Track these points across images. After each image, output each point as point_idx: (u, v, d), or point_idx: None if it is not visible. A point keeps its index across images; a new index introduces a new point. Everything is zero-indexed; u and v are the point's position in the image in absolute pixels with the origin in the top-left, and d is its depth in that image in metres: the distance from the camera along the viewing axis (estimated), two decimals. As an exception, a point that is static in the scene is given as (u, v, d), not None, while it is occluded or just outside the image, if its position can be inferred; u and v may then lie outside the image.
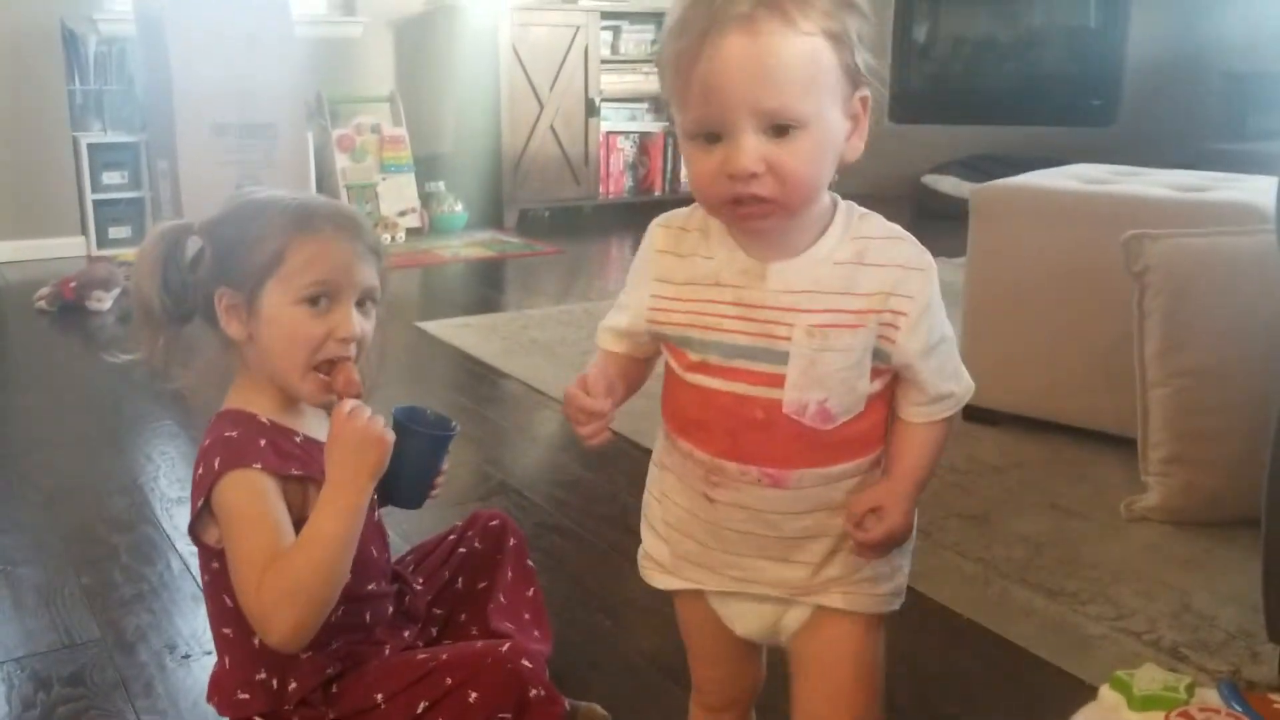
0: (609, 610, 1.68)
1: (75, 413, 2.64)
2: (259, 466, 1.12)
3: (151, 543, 1.88)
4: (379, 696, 1.17)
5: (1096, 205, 2.25)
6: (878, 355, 0.95)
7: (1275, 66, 4.70)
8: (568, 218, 5.17)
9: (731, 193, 0.88)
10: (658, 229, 1.02)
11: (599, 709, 1.40)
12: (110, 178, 4.31)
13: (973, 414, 2.45)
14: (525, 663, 1.17)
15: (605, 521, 1.97)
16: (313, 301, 1.14)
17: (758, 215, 0.90)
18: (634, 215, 5.28)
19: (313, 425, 1.22)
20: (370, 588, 1.24)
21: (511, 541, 1.45)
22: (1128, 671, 1.08)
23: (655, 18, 5.30)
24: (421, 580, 1.38)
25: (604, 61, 5.11)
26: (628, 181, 5.40)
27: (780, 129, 0.86)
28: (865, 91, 0.91)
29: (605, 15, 5.09)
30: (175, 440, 2.41)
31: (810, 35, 0.85)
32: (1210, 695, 1.06)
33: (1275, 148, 3.73)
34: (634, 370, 1.08)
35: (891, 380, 0.99)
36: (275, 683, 1.18)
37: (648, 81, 5.36)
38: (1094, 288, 2.20)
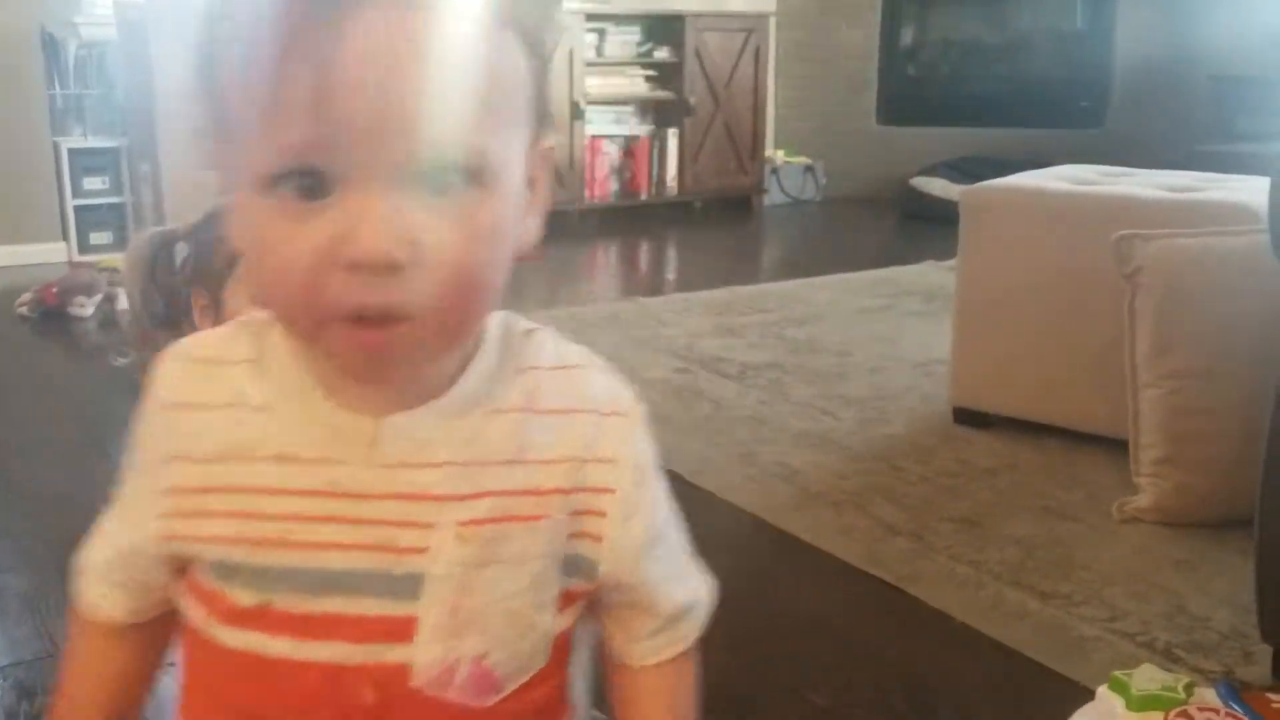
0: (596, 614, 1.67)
1: (60, 419, 2.61)
2: None
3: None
4: None
5: (1086, 206, 2.25)
6: (572, 567, 0.59)
7: (1262, 69, 4.72)
8: (552, 222, 5.03)
9: (347, 298, 0.49)
10: (169, 365, 0.60)
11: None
12: (91, 183, 4.27)
13: (964, 417, 2.45)
14: None
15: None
16: None
17: (387, 345, 0.51)
18: (620, 219, 5.27)
19: None
20: None
21: None
22: (1126, 672, 1.07)
23: (642, 19, 5.30)
24: None
25: (589, 64, 5.10)
26: (613, 185, 5.39)
27: (445, 184, 0.50)
28: (551, 141, 0.59)
29: (590, 17, 5.08)
30: (159, 447, 2.38)
31: (502, 25, 0.51)
32: (1208, 695, 1.05)
33: (1264, 149, 3.75)
34: (144, 662, 0.66)
35: (589, 608, 0.63)
36: None
37: (633, 84, 5.35)
38: (1085, 289, 2.20)
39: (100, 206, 4.30)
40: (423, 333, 0.51)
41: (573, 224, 5.18)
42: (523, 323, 0.62)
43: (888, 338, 3.23)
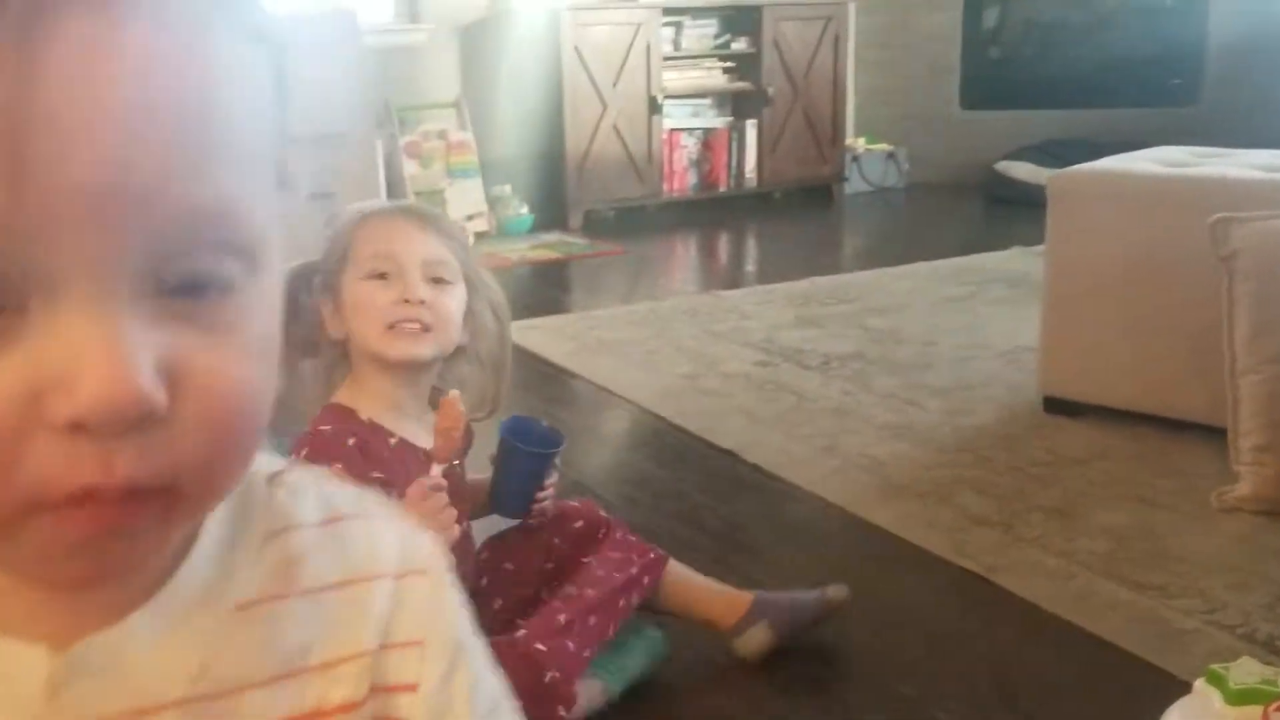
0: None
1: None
2: (338, 468, 1.15)
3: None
4: None
5: (1180, 189, 2.19)
6: None
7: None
8: (632, 217, 5.17)
9: (67, 476, 0.31)
10: None
11: (842, 589, 1.48)
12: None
13: (1054, 406, 2.40)
14: (540, 646, 1.21)
15: (675, 519, 1.97)
16: (378, 276, 1.23)
17: (125, 532, 0.33)
18: (698, 212, 5.26)
19: (413, 429, 1.27)
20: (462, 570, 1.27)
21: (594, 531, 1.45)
22: (1223, 665, 1.05)
23: (718, 11, 5.28)
24: (500, 602, 1.40)
25: (666, 58, 5.10)
26: (691, 178, 5.39)
27: (194, 286, 0.33)
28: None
29: (667, 11, 5.08)
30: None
31: (249, 37, 0.36)
32: (1312, 690, 1.02)
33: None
34: None
35: None
36: None
37: (711, 77, 5.34)
38: (1180, 274, 2.14)
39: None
40: (183, 504, 0.34)
41: (650, 218, 5.19)
42: (264, 463, 0.41)
43: (973, 326, 3.18)
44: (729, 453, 2.28)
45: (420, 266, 1.24)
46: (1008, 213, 4.89)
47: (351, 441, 1.20)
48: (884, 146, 5.88)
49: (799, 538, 1.93)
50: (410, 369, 1.26)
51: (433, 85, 4.94)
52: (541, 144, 5.05)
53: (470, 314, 1.31)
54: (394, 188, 4.65)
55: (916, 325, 3.20)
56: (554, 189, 5.03)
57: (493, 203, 4.90)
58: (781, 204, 5.55)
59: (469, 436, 1.33)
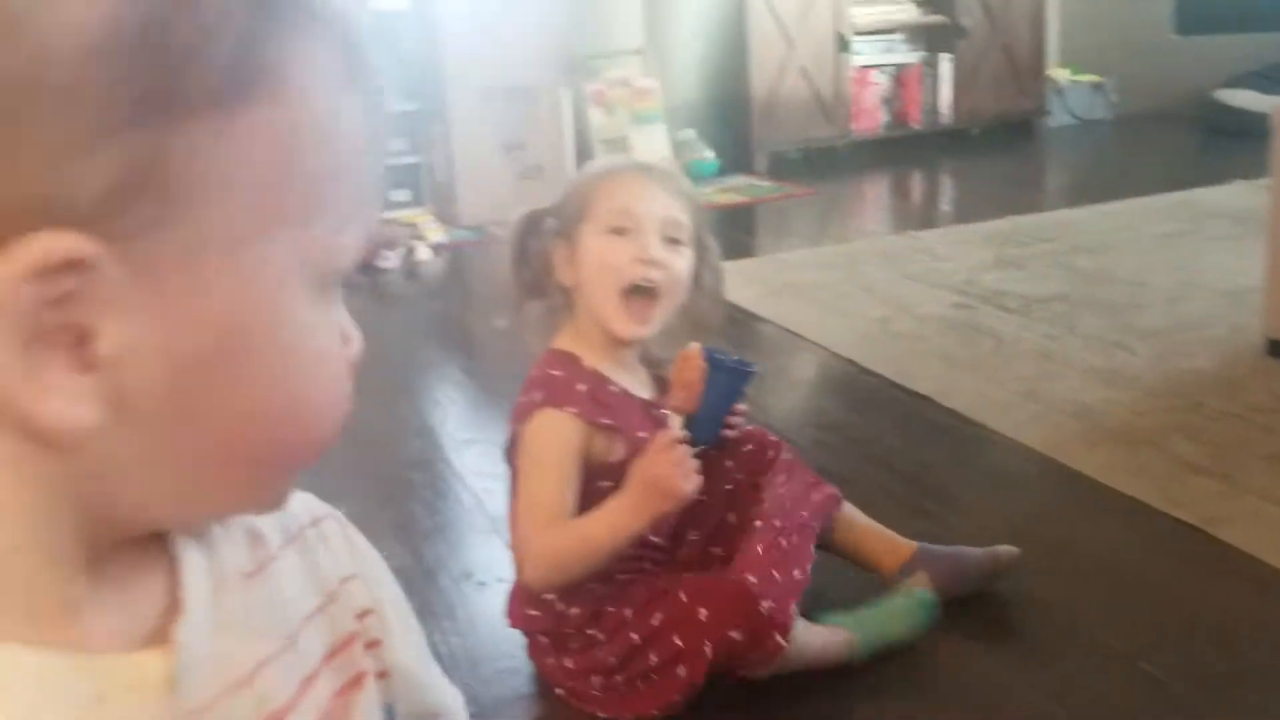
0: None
1: (370, 363, 2.85)
2: (574, 411, 1.22)
3: (445, 480, 2.03)
4: (627, 612, 1.26)
5: None
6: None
7: None
8: (820, 158, 5.08)
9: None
10: None
11: (1013, 550, 1.47)
12: (392, 145, 4.60)
13: (1278, 348, 2.25)
14: (750, 578, 1.22)
15: (871, 463, 1.95)
16: (617, 231, 1.26)
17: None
18: (890, 151, 5.13)
19: (630, 380, 1.32)
20: (654, 538, 1.33)
21: (773, 457, 1.47)
22: None
23: (909, -57, 5.09)
24: (694, 533, 1.42)
25: (855, -6, 4.96)
26: (882, 116, 5.24)
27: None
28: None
29: (856, -54, 4.93)
30: (461, 387, 2.57)
31: None
32: None
33: None
34: None
35: None
36: (560, 605, 1.27)
37: (902, 11, 5.16)
38: None
39: (399, 167, 4.62)
40: None
41: (839, 159, 5.09)
42: None
43: (1189, 265, 3.00)
44: (923, 397, 2.24)
45: (659, 226, 1.26)
46: (1227, 144, 4.56)
47: (583, 388, 1.24)
48: (1090, 77, 5.56)
49: (997, 484, 1.88)
50: (634, 339, 1.31)
51: (617, 33, 4.96)
52: (726, 87, 5.01)
53: (694, 276, 1.33)
54: (580, 137, 4.72)
55: (1126, 265, 3.04)
56: (739, 132, 4.99)
57: (677, 148, 4.90)
58: (979, 141, 5.34)
59: None
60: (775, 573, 1.29)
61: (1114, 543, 1.66)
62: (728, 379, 1.27)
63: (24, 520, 0.35)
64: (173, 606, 0.40)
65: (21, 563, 0.35)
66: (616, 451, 1.26)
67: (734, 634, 1.21)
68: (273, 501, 0.43)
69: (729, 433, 1.35)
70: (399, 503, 1.93)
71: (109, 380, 0.34)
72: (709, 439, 1.29)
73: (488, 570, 1.68)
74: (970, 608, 1.47)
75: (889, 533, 1.51)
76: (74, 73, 0.31)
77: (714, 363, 1.25)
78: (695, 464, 1.17)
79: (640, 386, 1.33)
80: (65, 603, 0.36)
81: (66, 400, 0.33)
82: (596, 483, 1.27)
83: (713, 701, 1.27)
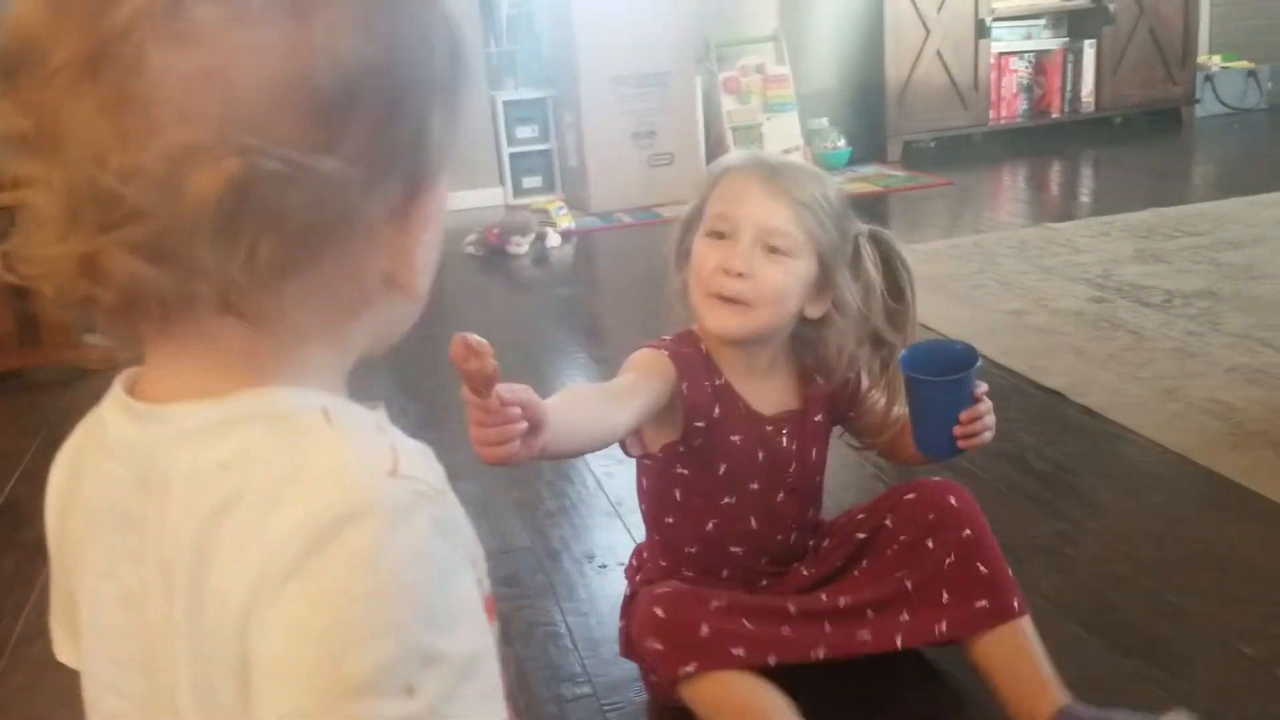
0: (1009, 549, 1.64)
1: (502, 345, 2.92)
2: (667, 354, 1.23)
3: (569, 463, 2.07)
4: None
5: None
6: None
7: None
8: (955, 147, 4.97)
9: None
10: None
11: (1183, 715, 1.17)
12: (522, 131, 4.68)
13: None
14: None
15: (999, 458, 1.92)
16: (716, 236, 1.21)
17: None
18: (1029, 140, 4.99)
19: (742, 381, 1.27)
20: (778, 537, 1.33)
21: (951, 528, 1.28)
22: None
23: (1054, -75, 4.93)
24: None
25: (996, -22, 4.84)
26: (1022, 104, 5.10)
27: None
28: None
29: (998, -71, 4.80)
30: (588, 372, 2.61)
31: None
32: None
33: None
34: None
35: None
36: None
37: (1045, -4, 5.01)
38: None
39: (531, 153, 4.71)
40: None
41: (976, 147, 4.98)
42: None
43: (1347, 261, 2.85)
44: (1056, 393, 2.19)
45: (755, 233, 1.18)
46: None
47: (688, 351, 1.24)
48: (1243, 64, 5.30)
49: (1132, 484, 1.83)
50: (728, 341, 1.24)
51: (751, 20, 4.95)
52: (860, 74, 4.95)
53: (825, 287, 1.24)
54: (711, 124, 4.72)
55: (1277, 260, 2.90)
56: (872, 120, 4.93)
57: (809, 136, 4.87)
58: (1123, 130, 5.15)
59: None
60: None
61: (1256, 548, 1.59)
62: (931, 390, 1.16)
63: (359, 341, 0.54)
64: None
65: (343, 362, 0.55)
66: (689, 427, 1.24)
67: None
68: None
69: (974, 441, 1.19)
70: (524, 484, 1.98)
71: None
72: (943, 454, 1.21)
73: (609, 553, 1.72)
74: (1105, 611, 1.44)
75: (1043, 674, 1.21)
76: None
77: (909, 381, 1.16)
78: (498, 435, 0.93)
79: (768, 396, 1.28)
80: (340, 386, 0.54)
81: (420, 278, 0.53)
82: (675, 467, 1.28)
83: None
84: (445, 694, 0.45)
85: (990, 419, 1.20)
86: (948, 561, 1.26)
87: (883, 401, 1.32)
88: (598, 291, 3.53)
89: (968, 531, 1.28)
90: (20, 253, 0.46)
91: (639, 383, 1.18)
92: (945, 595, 1.26)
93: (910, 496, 1.32)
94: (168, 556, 0.48)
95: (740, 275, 1.18)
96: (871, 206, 4.14)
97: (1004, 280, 2.96)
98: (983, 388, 1.19)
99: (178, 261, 0.44)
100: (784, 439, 1.30)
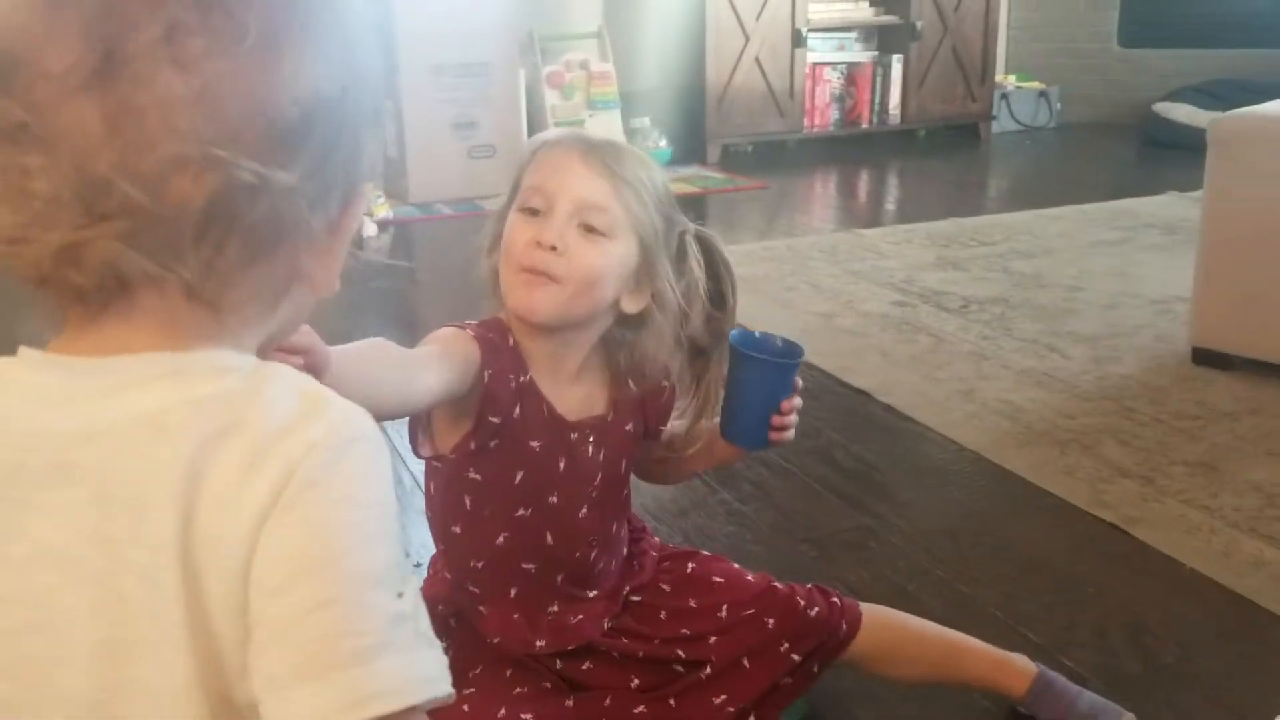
0: (814, 541, 1.71)
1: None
2: (471, 335, 1.08)
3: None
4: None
5: (1356, 134, 2.07)
6: None
7: None
8: (771, 152, 5.12)
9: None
10: None
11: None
12: (339, 117, 4.55)
13: (1204, 358, 2.33)
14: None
15: (808, 455, 1.99)
16: (530, 211, 1.09)
17: None
18: (840, 149, 5.18)
19: (550, 384, 1.14)
20: (577, 555, 1.19)
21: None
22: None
23: (867, -57, 5.14)
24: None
25: (812, -10, 5.00)
26: (834, 114, 5.30)
27: None
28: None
29: (814, -58, 4.97)
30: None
31: None
32: None
33: None
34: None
35: None
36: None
37: (857, 9, 5.22)
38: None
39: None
40: None
41: (791, 154, 5.14)
42: None
43: (1123, 273, 3.08)
44: (863, 392, 2.28)
45: (571, 208, 1.07)
46: (1164, 156, 4.68)
47: (489, 375, 1.07)
48: (1036, 84, 5.66)
49: (932, 480, 1.93)
50: (533, 327, 1.11)
51: (576, 15, 4.95)
52: (681, 76, 5.03)
53: (645, 279, 1.12)
54: (534, 118, 4.70)
55: (1063, 270, 3.12)
56: (693, 122, 5.01)
57: (631, 135, 4.91)
58: (926, 142, 5.42)
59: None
60: None
61: (1040, 540, 1.71)
62: (761, 372, 1.12)
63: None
64: None
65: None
66: (468, 430, 1.09)
67: None
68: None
69: (781, 436, 1.17)
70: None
71: None
72: (752, 442, 1.16)
73: (424, 550, 1.69)
74: (903, 602, 1.51)
75: (985, 648, 1.30)
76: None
77: (740, 357, 1.10)
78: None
79: (575, 400, 1.15)
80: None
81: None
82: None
83: None
84: (417, 604, 0.54)
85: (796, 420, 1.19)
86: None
87: (691, 412, 1.23)
88: (414, 283, 3.47)
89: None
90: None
91: (441, 355, 1.04)
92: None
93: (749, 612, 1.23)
94: (133, 495, 0.52)
95: (553, 249, 1.06)
96: (691, 206, 4.20)
97: (815, 283, 3.06)
98: (800, 383, 1.19)
99: (158, 252, 0.51)
100: (589, 447, 1.16)
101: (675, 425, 1.26)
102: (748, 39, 4.91)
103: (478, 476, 1.13)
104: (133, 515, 0.52)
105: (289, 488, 0.51)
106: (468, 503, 1.16)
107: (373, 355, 0.97)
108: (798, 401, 1.17)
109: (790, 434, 1.18)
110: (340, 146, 0.56)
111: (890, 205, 4.56)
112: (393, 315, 3.00)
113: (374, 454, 0.55)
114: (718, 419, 1.20)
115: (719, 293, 1.21)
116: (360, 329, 2.78)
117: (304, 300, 0.62)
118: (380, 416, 1.02)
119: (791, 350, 1.17)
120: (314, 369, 0.85)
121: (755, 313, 2.80)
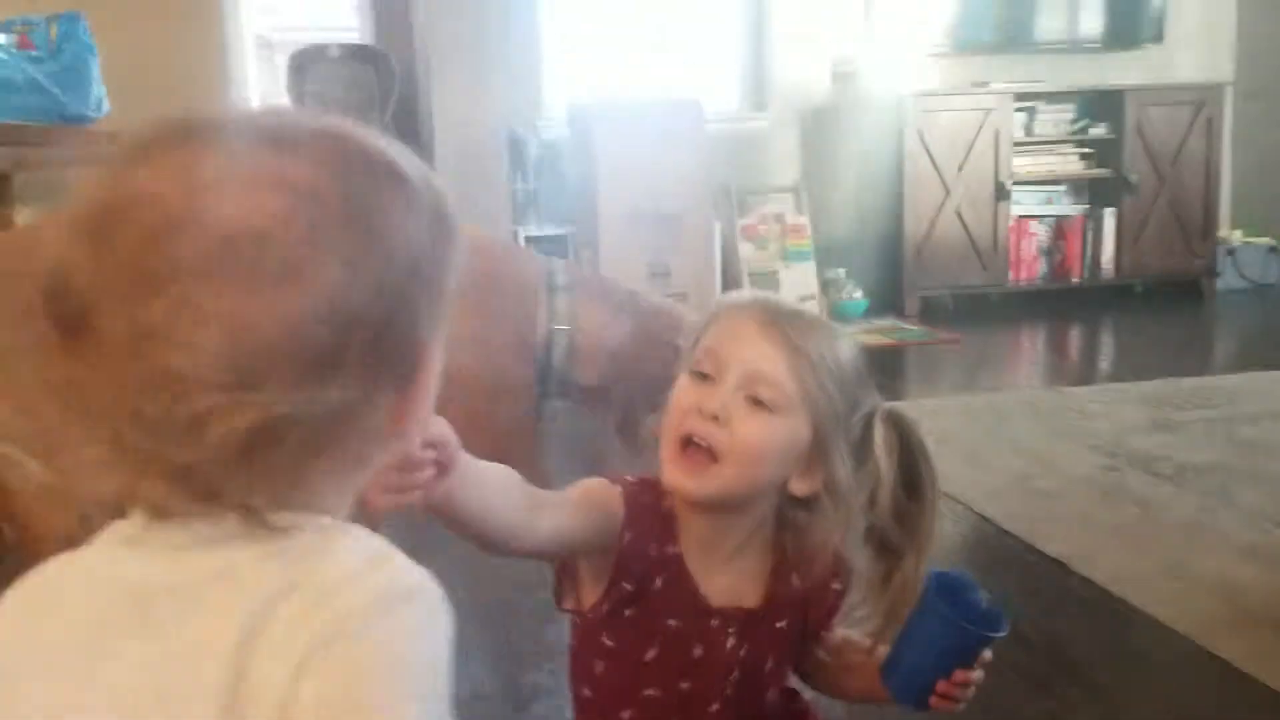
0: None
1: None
2: (620, 491, 1.03)
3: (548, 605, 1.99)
4: None
5: None
6: None
7: None
8: (972, 305, 4.97)
9: None
10: None
11: None
12: (542, 265, 4.73)
13: None
14: None
15: (995, 627, 1.83)
16: (699, 375, 1.04)
17: None
18: (1047, 303, 4.98)
19: (698, 559, 1.06)
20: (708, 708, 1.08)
21: None
22: None
23: (1075, 96, 5.03)
24: None
25: (1017, 144, 4.91)
26: (1041, 267, 5.11)
27: None
28: None
29: (1019, 96, 4.90)
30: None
31: None
32: None
33: None
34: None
35: None
36: None
37: (1065, 163, 5.08)
38: None
39: (547, 287, 4.74)
40: None
41: (993, 307, 4.98)
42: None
43: (1366, 443, 2.78)
44: (1058, 561, 2.10)
45: (740, 378, 1.01)
46: None
47: (628, 537, 1.02)
48: (1265, 240, 5.33)
49: (1132, 663, 1.74)
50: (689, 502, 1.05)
51: (773, 170, 5.04)
52: (879, 228, 5.00)
53: (817, 461, 1.04)
54: (729, 268, 4.76)
55: (1294, 437, 2.84)
56: (890, 274, 4.95)
57: (826, 286, 4.89)
58: (1142, 298, 5.14)
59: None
60: None
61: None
62: (948, 632, 0.97)
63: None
64: None
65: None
66: (598, 577, 1.03)
67: None
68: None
69: (942, 701, 1.01)
70: (497, 624, 1.90)
71: None
72: (908, 699, 1.00)
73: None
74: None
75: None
76: None
77: (932, 606, 0.97)
78: (400, 480, 0.80)
79: (725, 585, 1.06)
80: None
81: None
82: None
83: None
84: None
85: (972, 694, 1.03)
86: None
87: (870, 624, 1.07)
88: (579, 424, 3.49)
89: None
90: (63, 484, 0.59)
91: (576, 503, 1.01)
92: None
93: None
94: (195, 646, 0.53)
95: (714, 419, 1.01)
96: (887, 359, 4.12)
97: (1013, 442, 2.90)
98: (987, 656, 1.02)
99: (203, 483, 0.53)
100: (729, 639, 1.07)
101: (850, 632, 1.12)
102: (948, 191, 4.85)
103: (611, 643, 1.07)
104: (192, 666, 0.53)
105: (333, 636, 0.52)
106: (599, 669, 1.09)
107: (497, 483, 0.94)
108: (976, 675, 1.01)
109: (957, 706, 1.02)
110: (388, 339, 0.55)
111: (1102, 363, 4.32)
112: (566, 448, 3.02)
113: (428, 613, 0.54)
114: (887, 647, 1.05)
115: (914, 482, 1.09)
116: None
117: (394, 448, 0.62)
118: (496, 540, 0.98)
119: (991, 619, 1.00)
120: (443, 465, 0.83)
121: (946, 470, 2.65)
